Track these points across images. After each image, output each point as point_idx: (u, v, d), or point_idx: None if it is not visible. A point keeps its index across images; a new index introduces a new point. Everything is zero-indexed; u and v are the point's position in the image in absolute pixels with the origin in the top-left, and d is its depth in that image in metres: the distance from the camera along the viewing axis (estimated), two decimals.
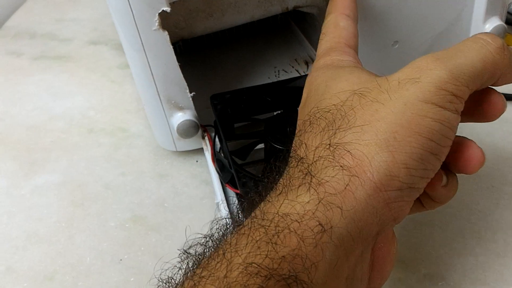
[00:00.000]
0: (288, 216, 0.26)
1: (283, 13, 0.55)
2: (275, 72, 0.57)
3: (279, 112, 0.50)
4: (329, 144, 0.29)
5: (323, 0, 0.54)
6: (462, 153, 0.31)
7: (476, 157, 0.31)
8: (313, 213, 0.26)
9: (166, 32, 0.41)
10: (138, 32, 0.41)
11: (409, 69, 0.30)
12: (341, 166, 0.28)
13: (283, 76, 0.56)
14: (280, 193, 0.28)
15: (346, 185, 0.27)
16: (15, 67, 0.66)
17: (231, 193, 0.44)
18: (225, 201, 0.43)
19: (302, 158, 0.29)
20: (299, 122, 0.33)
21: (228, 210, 0.42)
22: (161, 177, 0.49)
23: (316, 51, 0.57)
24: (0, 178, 0.51)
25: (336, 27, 0.39)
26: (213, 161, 0.45)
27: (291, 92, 0.49)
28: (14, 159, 0.53)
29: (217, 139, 0.48)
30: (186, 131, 0.47)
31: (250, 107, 0.48)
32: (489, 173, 0.46)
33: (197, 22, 0.52)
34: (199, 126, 0.47)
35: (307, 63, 0.57)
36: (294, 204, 0.27)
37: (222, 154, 0.46)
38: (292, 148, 0.31)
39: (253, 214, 0.28)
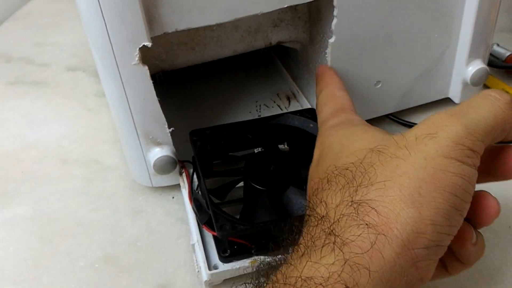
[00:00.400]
0: (311, 280, 0.25)
1: (266, 47, 0.54)
2: (256, 106, 0.56)
3: (259, 149, 0.49)
4: (352, 201, 0.28)
5: (306, 36, 0.53)
6: (477, 205, 0.31)
7: (492, 207, 0.31)
8: (339, 275, 0.25)
9: (146, 67, 0.40)
10: (117, 66, 0.39)
11: (425, 125, 0.30)
12: (366, 224, 0.27)
13: (265, 111, 0.55)
14: (302, 255, 0.27)
15: (373, 244, 0.26)
16: None
17: (208, 234, 0.42)
18: (201, 243, 0.42)
19: (323, 216, 0.28)
20: (313, 180, 0.33)
21: (203, 252, 0.41)
22: (136, 214, 0.47)
23: (297, 86, 0.56)
24: None
25: (333, 96, 0.41)
26: (190, 200, 0.44)
27: (272, 130, 0.48)
28: None
29: (195, 176, 0.46)
30: (163, 167, 0.45)
31: (230, 143, 0.47)
32: None
33: (178, 55, 0.51)
34: (177, 162, 0.46)
35: (289, 98, 0.57)
36: (318, 267, 0.26)
37: (199, 192, 0.45)
38: (309, 206, 0.31)
39: (274, 278, 0.27)
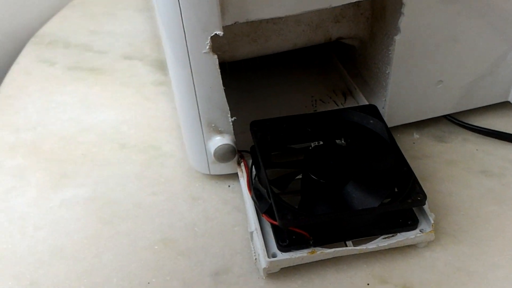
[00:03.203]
0: None
1: (325, 43, 0.54)
2: (312, 101, 0.56)
3: (317, 143, 0.49)
4: None
5: (366, 33, 0.53)
6: None
7: None
8: None
9: (216, 56, 0.41)
10: (188, 53, 0.40)
11: None
12: None
13: (320, 106, 0.55)
14: None
15: None
16: (49, 75, 0.66)
17: (266, 223, 0.43)
18: (260, 231, 0.42)
19: None
20: None
21: (262, 240, 0.41)
22: (193, 200, 0.48)
23: (354, 83, 0.56)
24: (30, 189, 0.50)
25: None
26: (249, 189, 0.44)
27: (331, 124, 0.48)
28: (44, 169, 0.52)
29: (252, 166, 0.47)
30: (223, 155, 0.46)
31: (289, 136, 0.48)
32: None
33: (240, 46, 0.51)
34: (236, 151, 0.47)
35: (344, 95, 0.57)
36: None
37: (259, 182, 0.45)
38: None
39: None
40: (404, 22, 0.45)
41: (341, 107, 0.55)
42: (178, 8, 0.38)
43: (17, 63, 0.69)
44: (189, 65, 0.41)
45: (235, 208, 0.47)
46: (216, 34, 0.39)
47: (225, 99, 0.43)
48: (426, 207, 0.43)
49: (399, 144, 0.51)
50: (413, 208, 0.43)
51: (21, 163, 0.54)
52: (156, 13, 0.41)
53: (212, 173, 0.49)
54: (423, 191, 0.41)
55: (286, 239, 0.41)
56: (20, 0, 0.76)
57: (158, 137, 0.55)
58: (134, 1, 0.80)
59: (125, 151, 0.54)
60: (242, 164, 0.47)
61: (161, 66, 0.65)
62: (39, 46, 0.72)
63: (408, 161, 0.48)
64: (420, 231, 0.43)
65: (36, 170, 0.53)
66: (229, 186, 0.50)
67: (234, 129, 0.46)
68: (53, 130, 0.57)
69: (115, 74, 0.66)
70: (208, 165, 0.48)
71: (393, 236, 0.42)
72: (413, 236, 0.42)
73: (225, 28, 0.40)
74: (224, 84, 0.43)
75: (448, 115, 0.54)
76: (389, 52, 0.47)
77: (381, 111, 0.51)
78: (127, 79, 0.64)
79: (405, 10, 0.44)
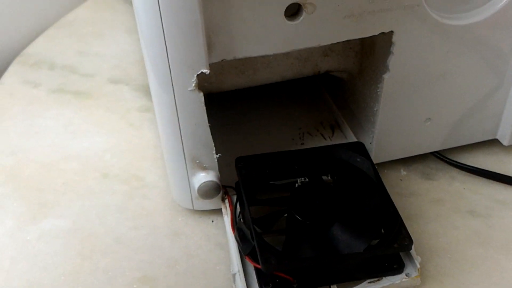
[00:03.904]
0: None
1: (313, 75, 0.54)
2: (299, 134, 0.55)
3: (303, 180, 0.48)
4: None
5: (355, 67, 0.53)
6: None
7: None
8: None
9: (201, 93, 0.40)
10: (173, 90, 0.39)
11: None
12: None
13: (307, 139, 0.55)
14: None
15: None
16: (32, 98, 0.65)
17: (249, 263, 0.42)
18: (242, 273, 0.41)
19: None
20: None
21: (245, 283, 0.40)
22: (175, 235, 0.47)
23: (342, 116, 0.56)
24: (7, 219, 0.49)
25: None
26: (233, 228, 0.43)
27: (318, 161, 0.47)
28: (23, 198, 0.51)
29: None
30: (207, 192, 0.45)
31: (275, 172, 0.47)
32: None
33: (228, 78, 0.51)
34: (221, 188, 0.46)
35: (332, 128, 0.56)
36: None
37: (242, 221, 0.44)
38: None
39: None
40: (393, 60, 0.44)
41: (329, 141, 0.54)
42: (164, 45, 0.37)
43: (1, 83, 0.68)
44: (174, 101, 0.40)
45: (218, 245, 0.46)
46: (202, 72, 0.38)
47: (210, 136, 0.43)
48: (412, 251, 0.43)
49: (386, 181, 0.50)
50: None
51: None
52: (142, 47, 0.40)
53: (195, 208, 0.48)
54: (409, 236, 0.41)
55: (270, 283, 0.40)
56: (5, 18, 0.75)
57: (141, 166, 0.54)
58: (123, 21, 0.79)
59: (107, 181, 0.53)
60: (226, 200, 0.46)
61: (148, 91, 0.64)
62: (23, 67, 0.71)
63: (395, 198, 0.48)
64: (406, 275, 0.42)
65: (14, 199, 0.51)
66: (212, 221, 0.49)
67: (219, 162, 0.45)
68: (34, 156, 0.56)
69: (101, 99, 0.64)
70: (192, 201, 0.47)
71: (378, 280, 0.42)
72: (399, 280, 0.41)
73: (211, 65, 0.40)
74: (211, 115, 0.42)
75: (436, 152, 0.54)
76: (378, 89, 0.47)
77: (368, 146, 0.51)
78: (112, 104, 0.63)
79: (395, 49, 0.43)
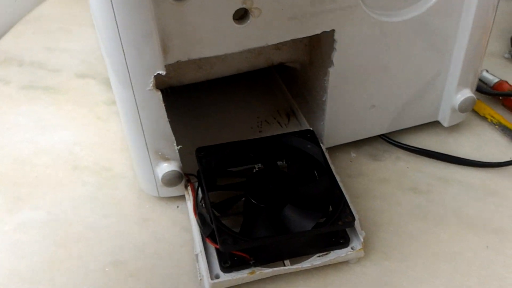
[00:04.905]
0: None
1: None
2: (257, 122, 0.59)
3: (259, 165, 0.52)
4: None
5: (306, 58, 0.57)
6: None
7: None
8: None
9: (160, 92, 0.43)
10: (133, 91, 0.43)
11: None
12: None
13: (265, 127, 0.59)
14: None
15: None
16: (3, 95, 0.67)
17: (210, 244, 0.46)
18: (204, 253, 0.45)
19: None
20: None
21: (206, 262, 0.45)
22: (143, 221, 0.51)
23: (297, 104, 0.60)
24: None
25: None
26: (195, 213, 0.47)
27: (272, 148, 0.51)
28: None
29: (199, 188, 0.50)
30: (171, 181, 0.49)
31: (233, 160, 0.51)
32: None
33: (186, 73, 0.54)
34: (183, 176, 0.50)
35: (288, 115, 0.60)
36: None
37: (203, 206, 0.48)
38: None
39: None
40: (336, 56, 0.48)
41: (285, 128, 0.59)
42: (122, 51, 0.40)
43: None
44: (134, 100, 0.44)
45: (183, 228, 0.51)
46: (159, 73, 0.42)
47: (170, 130, 0.46)
48: (357, 226, 0.47)
49: (337, 163, 0.55)
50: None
51: None
52: (102, 50, 0.43)
53: (161, 195, 0.52)
54: (353, 214, 0.45)
55: (228, 261, 0.44)
56: None
57: (110, 158, 0.58)
58: (89, 16, 0.81)
59: (78, 173, 0.56)
60: (189, 187, 0.50)
61: None
62: None
63: (345, 179, 0.52)
64: (351, 248, 0.47)
65: None
66: (177, 206, 0.53)
67: (183, 151, 0.49)
68: (8, 152, 0.59)
69: (69, 93, 0.67)
70: (157, 189, 0.51)
71: (326, 254, 0.46)
72: (344, 253, 0.46)
73: (168, 66, 0.43)
74: (173, 107, 0.46)
75: (383, 135, 0.58)
76: (325, 81, 0.51)
77: (320, 132, 0.55)
78: (80, 98, 0.66)
79: (337, 45, 0.48)
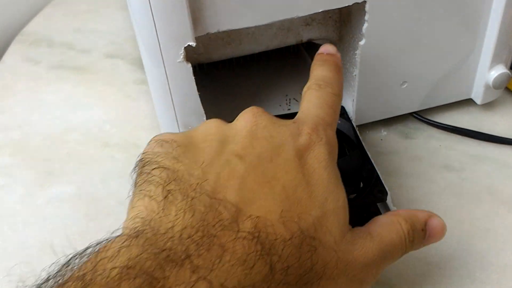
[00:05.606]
0: None
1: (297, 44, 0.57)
2: (286, 100, 0.59)
3: None
4: None
5: (336, 35, 0.56)
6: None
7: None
8: None
9: (190, 65, 0.43)
10: (163, 63, 0.43)
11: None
12: None
13: (294, 105, 0.58)
14: None
15: None
16: (33, 74, 0.68)
17: None
18: None
19: None
20: None
21: None
22: None
23: None
24: (18, 187, 0.53)
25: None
26: None
27: None
28: (31, 168, 0.55)
29: None
30: None
31: None
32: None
33: (215, 49, 0.54)
34: None
35: None
36: None
37: None
38: None
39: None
40: (367, 29, 0.47)
41: None
42: (153, 21, 0.40)
43: (3, 62, 0.71)
44: (165, 73, 0.43)
45: None
46: (189, 45, 0.42)
47: (200, 104, 0.46)
48: (389, 201, 0.47)
49: (367, 141, 0.54)
50: (378, 204, 0.47)
51: (8, 162, 0.56)
52: (134, 25, 0.43)
53: None
54: (385, 188, 0.45)
55: None
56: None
57: (139, 135, 0.58)
58: None
59: (108, 150, 0.57)
60: None
61: (142, 65, 0.68)
62: (23, 45, 0.74)
63: (376, 157, 0.52)
64: None
65: (23, 169, 0.55)
66: None
67: None
68: (39, 129, 0.60)
69: (98, 73, 0.68)
70: None
71: None
72: None
73: (198, 38, 0.43)
74: (202, 84, 0.46)
75: (414, 112, 0.57)
76: (355, 56, 0.50)
77: (350, 109, 0.54)
78: (109, 78, 0.67)
79: (368, 18, 0.47)
